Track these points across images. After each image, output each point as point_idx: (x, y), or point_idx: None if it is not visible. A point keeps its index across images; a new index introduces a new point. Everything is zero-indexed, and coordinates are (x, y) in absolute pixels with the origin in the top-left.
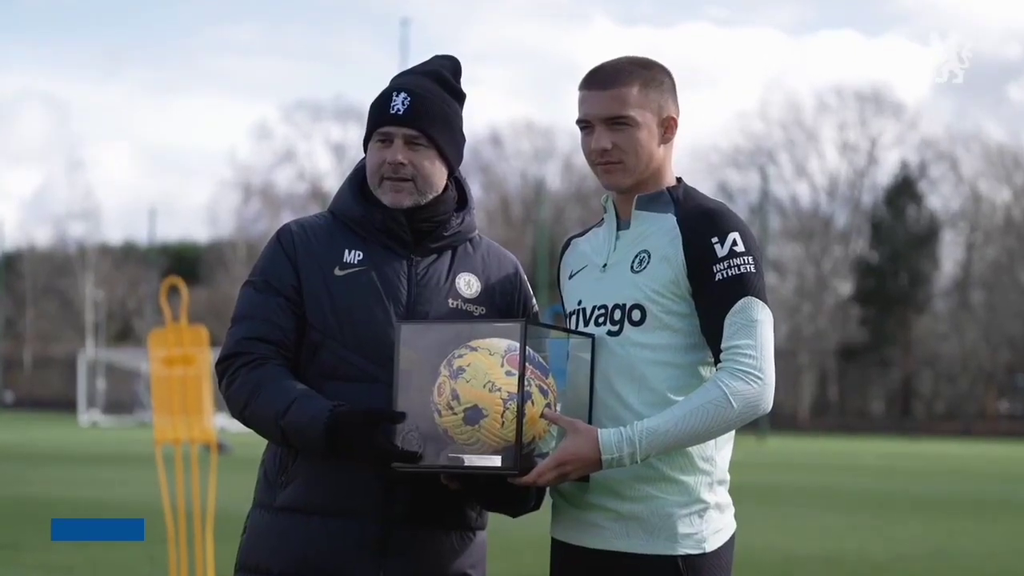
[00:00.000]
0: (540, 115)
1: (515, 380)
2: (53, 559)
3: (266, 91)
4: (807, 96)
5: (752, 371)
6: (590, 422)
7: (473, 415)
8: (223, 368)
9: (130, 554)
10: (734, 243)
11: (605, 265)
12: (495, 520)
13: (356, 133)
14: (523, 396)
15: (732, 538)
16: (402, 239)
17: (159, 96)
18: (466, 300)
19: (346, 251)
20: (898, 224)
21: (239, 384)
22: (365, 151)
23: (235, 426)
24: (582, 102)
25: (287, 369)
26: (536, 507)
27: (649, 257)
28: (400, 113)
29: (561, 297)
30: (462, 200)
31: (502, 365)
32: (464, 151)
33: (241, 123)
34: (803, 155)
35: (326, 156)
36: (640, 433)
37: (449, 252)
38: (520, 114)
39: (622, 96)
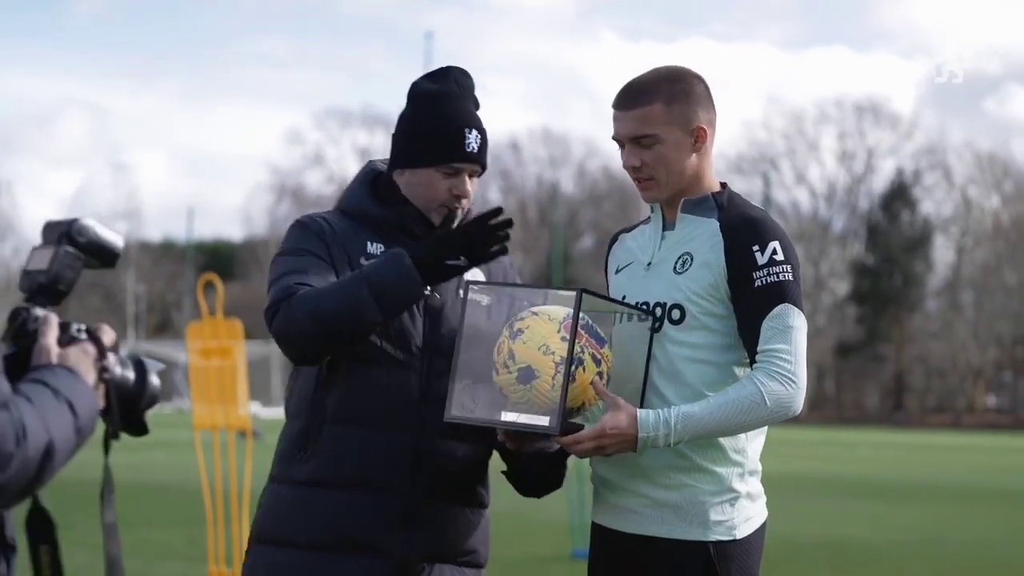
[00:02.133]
0: (555, 124)
1: (576, 348)
2: (95, 540)
3: (297, 100)
4: (808, 107)
5: (787, 374)
6: (643, 398)
7: (526, 375)
8: (278, 304)
9: (171, 535)
10: (774, 252)
11: (650, 264)
12: (513, 503)
13: (382, 139)
14: (571, 360)
15: (763, 526)
16: (416, 234)
17: (193, 104)
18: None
19: (368, 243)
20: (893, 228)
21: (301, 297)
22: (403, 165)
23: (266, 413)
24: (613, 121)
25: None
26: (558, 485)
27: (691, 260)
28: (475, 152)
29: (607, 289)
30: None
31: (559, 331)
32: None
33: (272, 129)
34: (803, 163)
35: (353, 160)
36: (677, 417)
37: None
38: (537, 122)
39: (646, 115)
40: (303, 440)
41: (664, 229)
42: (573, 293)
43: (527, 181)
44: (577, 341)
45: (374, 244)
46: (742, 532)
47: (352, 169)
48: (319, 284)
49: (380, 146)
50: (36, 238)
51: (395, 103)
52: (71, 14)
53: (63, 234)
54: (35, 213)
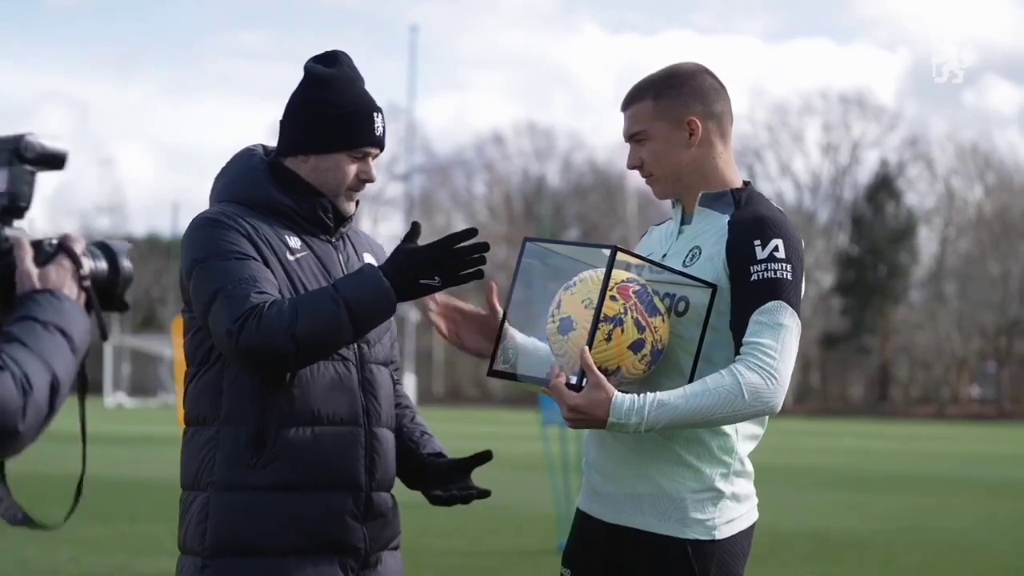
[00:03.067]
0: (540, 117)
1: (617, 304)
2: (79, 534)
3: (281, 94)
4: (792, 98)
5: (769, 369)
6: (692, 375)
7: (565, 325)
8: (243, 319)
9: (156, 528)
10: (775, 248)
11: (664, 256)
12: (498, 496)
13: None
14: (598, 318)
15: (748, 530)
16: (326, 226)
17: (176, 97)
18: None
19: (287, 237)
20: (877, 220)
21: (275, 314)
22: (306, 151)
23: None
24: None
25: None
26: (467, 501)
27: (700, 253)
28: (381, 135)
29: None
30: None
31: (612, 289)
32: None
33: (257, 124)
34: (788, 154)
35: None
36: (651, 404)
37: (346, 237)
38: (521, 115)
39: (636, 113)
40: (257, 445)
41: (682, 223)
42: (605, 250)
43: (512, 174)
44: (624, 302)
45: (292, 238)
46: (723, 533)
47: None
48: (273, 292)
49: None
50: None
51: (380, 97)
52: (47, 5)
53: (12, 152)
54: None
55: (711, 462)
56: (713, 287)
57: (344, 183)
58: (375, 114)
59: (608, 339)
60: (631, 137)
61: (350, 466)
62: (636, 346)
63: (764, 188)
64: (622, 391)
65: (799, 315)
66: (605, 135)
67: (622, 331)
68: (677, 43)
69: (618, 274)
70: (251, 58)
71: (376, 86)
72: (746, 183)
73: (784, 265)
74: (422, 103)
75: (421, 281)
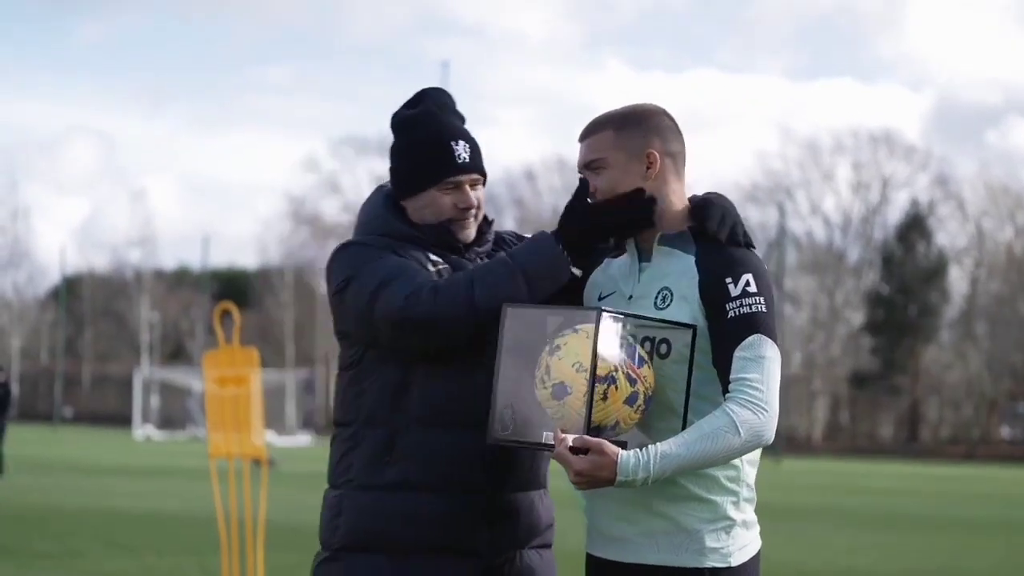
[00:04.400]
0: (568, 153)
1: (607, 364)
2: (101, 567)
3: (311, 128)
4: (823, 137)
5: (759, 403)
6: (686, 412)
7: (559, 391)
8: (416, 292)
9: (185, 562)
10: (747, 284)
11: (631, 297)
12: None
13: None
14: (594, 378)
15: (757, 555)
16: (456, 248)
17: (204, 131)
18: None
19: (424, 253)
20: (908, 259)
21: (451, 284)
22: (409, 191)
23: (281, 441)
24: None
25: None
26: None
27: (671, 295)
28: (467, 162)
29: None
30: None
31: (587, 348)
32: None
33: (287, 158)
34: (819, 193)
35: (370, 188)
36: (654, 457)
37: (487, 255)
38: (550, 151)
39: (594, 143)
40: (388, 444)
41: (640, 260)
42: (591, 311)
43: (542, 210)
44: (611, 359)
45: (430, 255)
46: (737, 560)
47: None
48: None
49: None
50: (49, 266)
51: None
52: (75, 41)
53: None
54: (46, 240)
55: (721, 492)
56: (693, 328)
57: (442, 217)
58: (453, 143)
59: (604, 398)
60: (587, 165)
61: (476, 470)
62: (631, 399)
63: (795, 226)
64: (620, 439)
65: (777, 343)
66: None
67: (616, 388)
68: (702, 81)
69: (591, 329)
70: (278, 93)
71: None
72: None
73: (757, 299)
74: None
75: (593, 242)
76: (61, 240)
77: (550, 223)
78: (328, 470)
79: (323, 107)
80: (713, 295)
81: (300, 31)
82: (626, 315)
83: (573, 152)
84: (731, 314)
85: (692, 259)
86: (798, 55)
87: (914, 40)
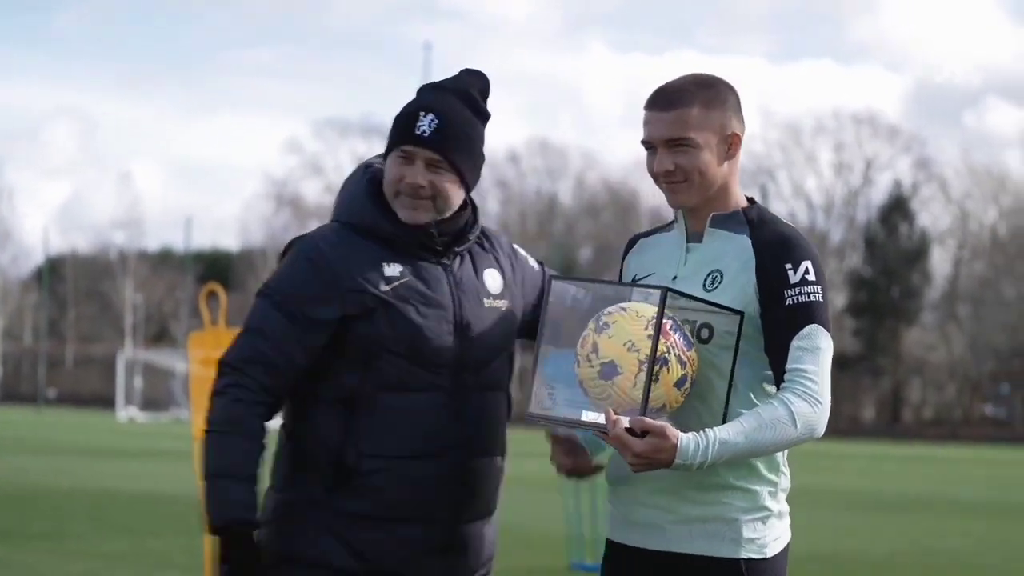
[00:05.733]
0: (552, 135)
1: (661, 344)
2: (94, 548)
3: (294, 110)
4: (805, 118)
5: (815, 395)
6: (728, 399)
7: (608, 370)
8: (220, 372)
9: (169, 543)
10: (806, 271)
11: (675, 278)
12: (509, 515)
13: (380, 149)
14: (654, 359)
15: (788, 545)
16: (434, 249)
17: (187, 114)
18: (495, 296)
19: (384, 264)
20: (890, 241)
21: (222, 406)
22: (385, 159)
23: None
24: (645, 123)
25: (261, 419)
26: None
27: (721, 277)
28: (425, 135)
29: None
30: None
31: (646, 328)
32: (481, 170)
33: (270, 140)
34: (801, 175)
35: (352, 169)
36: (713, 444)
37: (468, 253)
38: (534, 134)
39: (683, 118)
40: (343, 474)
41: (688, 241)
42: (656, 291)
43: (526, 193)
44: (664, 340)
45: (392, 266)
46: (772, 550)
47: None
48: (279, 363)
49: None
50: (33, 247)
51: (393, 113)
52: (56, 23)
53: None
54: (29, 222)
55: (760, 482)
56: (740, 314)
57: (391, 185)
58: (421, 113)
59: (656, 380)
60: (673, 141)
61: (435, 500)
62: (680, 382)
63: (777, 208)
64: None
65: (831, 334)
66: (618, 153)
67: (667, 370)
68: (683, 63)
69: (647, 309)
70: (264, 75)
71: (390, 103)
72: (751, 200)
73: (816, 287)
74: None
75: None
76: (44, 222)
77: (533, 204)
78: (272, 469)
79: (306, 90)
80: (771, 281)
81: (284, 14)
82: (690, 297)
83: (557, 134)
84: (789, 302)
85: (747, 240)
86: (778, 37)
87: (892, 21)
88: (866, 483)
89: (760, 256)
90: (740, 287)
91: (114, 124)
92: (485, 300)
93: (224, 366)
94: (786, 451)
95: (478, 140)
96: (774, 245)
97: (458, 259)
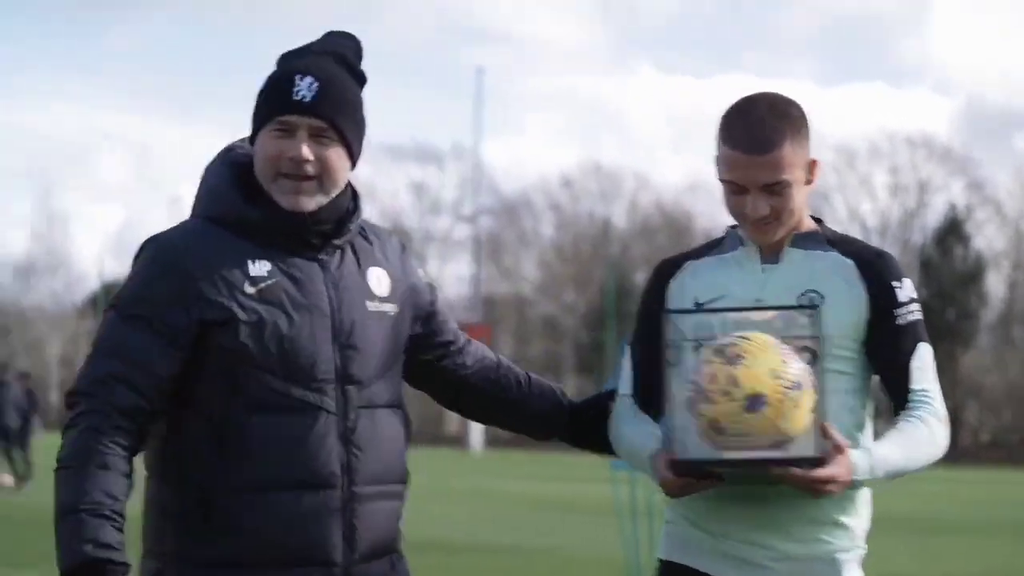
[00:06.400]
0: (603, 158)
1: (795, 369)
2: None
3: None
4: (858, 142)
5: (943, 414)
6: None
7: (754, 402)
8: (70, 403)
9: None
10: (911, 289)
11: (757, 301)
12: (563, 540)
13: (434, 173)
14: (823, 386)
15: None
16: (308, 243)
17: (236, 137)
18: (382, 299)
19: (250, 262)
20: (945, 263)
21: (73, 438)
22: (252, 141)
23: None
24: (734, 165)
25: (122, 447)
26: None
27: (821, 298)
28: (307, 100)
29: (661, 323)
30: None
31: (780, 354)
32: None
33: None
34: (856, 198)
35: (406, 194)
36: (878, 461)
37: (349, 247)
38: (582, 156)
39: (777, 161)
40: (204, 512)
41: (763, 263)
42: (801, 314)
43: (579, 216)
44: (796, 365)
45: (257, 263)
46: None
47: (404, 203)
48: (133, 379)
49: (434, 181)
50: (88, 273)
51: (446, 137)
52: (107, 47)
53: None
54: (83, 248)
55: (857, 516)
56: (815, 310)
57: (268, 165)
58: (297, 77)
59: (797, 406)
60: (768, 186)
61: (316, 538)
62: (815, 406)
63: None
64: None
65: None
66: (670, 175)
67: (806, 395)
68: (731, 86)
69: (761, 335)
70: None
71: (442, 127)
72: (815, 219)
73: (918, 304)
74: (486, 144)
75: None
76: (98, 248)
77: (587, 228)
78: (142, 528)
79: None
80: (880, 299)
81: None
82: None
83: (608, 157)
84: (900, 321)
85: (840, 257)
86: (826, 60)
87: (941, 43)
88: (924, 506)
89: (866, 274)
90: (848, 307)
91: (165, 148)
92: (369, 303)
93: (71, 396)
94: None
95: (360, 106)
96: (875, 262)
97: (338, 254)
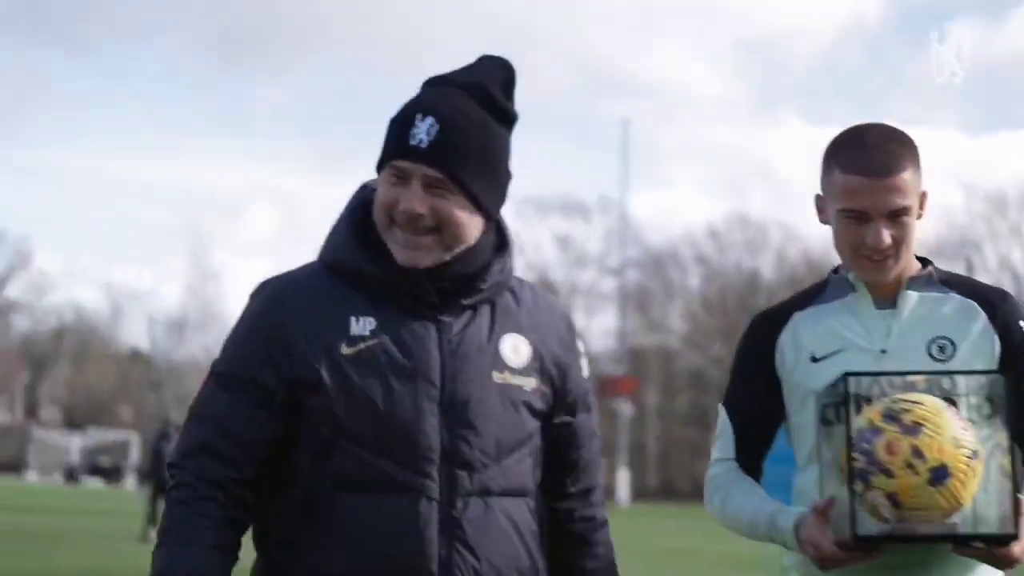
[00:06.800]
0: (749, 210)
1: (971, 436)
2: None
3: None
4: (1009, 190)
5: None
6: (1016, 482)
7: (939, 474)
8: (172, 472)
9: None
10: None
11: (883, 351)
12: None
13: (580, 227)
14: (977, 452)
15: None
16: (427, 300)
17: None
18: (515, 371)
19: (352, 319)
20: None
21: (165, 514)
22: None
23: None
24: (856, 191)
25: (212, 519)
26: None
27: (953, 345)
28: (422, 147)
29: (791, 378)
30: (500, 241)
31: (954, 419)
32: (508, 189)
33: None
34: (1007, 247)
35: (552, 248)
36: None
37: (487, 308)
38: (728, 208)
39: (903, 185)
40: (289, 545)
41: (879, 308)
42: (988, 377)
43: (726, 268)
44: (971, 429)
45: (361, 320)
46: None
47: (550, 257)
48: (230, 452)
49: (580, 234)
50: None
51: (591, 189)
52: (256, 104)
53: None
54: (235, 302)
55: None
56: (995, 376)
57: (383, 211)
58: (417, 116)
59: (975, 474)
60: (893, 213)
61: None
62: (1000, 472)
63: (983, 281)
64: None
65: None
66: (817, 227)
67: (981, 462)
68: None
69: (929, 398)
70: None
71: (587, 179)
72: (922, 259)
73: None
74: (632, 195)
75: None
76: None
77: (734, 280)
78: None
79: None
80: (1010, 342)
81: None
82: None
83: (754, 208)
84: None
85: (964, 300)
86: (972, 108)
87: None
88: None
89: (990, 315)
90: (983, 353)
91: (314, 202)
92: (496, 374)
93: (169, 468)
94: None
95: (498, 150)
96: (1000, 303)
97: (467, 315)
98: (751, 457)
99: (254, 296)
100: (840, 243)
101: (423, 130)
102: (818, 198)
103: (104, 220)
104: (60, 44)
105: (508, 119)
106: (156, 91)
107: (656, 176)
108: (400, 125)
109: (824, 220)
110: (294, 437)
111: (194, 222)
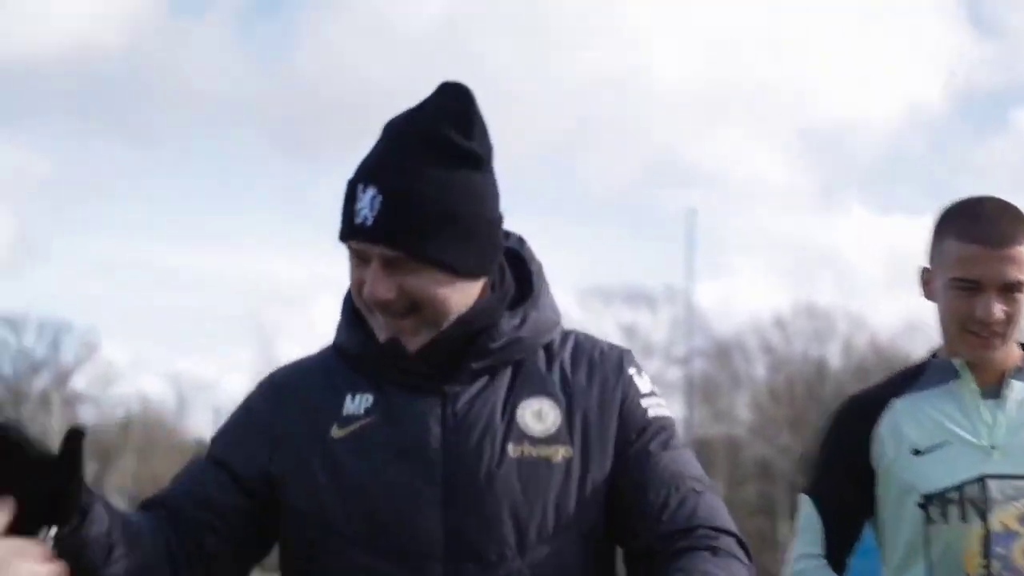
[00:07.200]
0: (814, 299)
1: None
2: None
3: (557, 280)
4: None
5: None
6: None
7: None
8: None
9: None
10: None
11: (992, 447)
12: None
13: (645, 316)
14: None
15: None
16: (421, 371)
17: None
18: (536, 441)
19: (348, 397)
20: None
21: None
22: None
23: None
24: (972, 260)
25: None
26: None
27: None
28: (368, 224)
29: (890, 474)
30: (523, 291)
31: None
32: (496, 233)
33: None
34: None
35: (617, 337)
36: None
37: (507, 371)
38: (794, 298)
39: (1017, 258)
40: None
41: (982, 398)
42: None
43: (793, 357)
44: None
45: (358, 397)
46: None
47: None
48: (172, 501)
49: (645, 323)
50: None
51: (657, 279)
52: (316, 197)
53: None
54: None
55: None
56: None
57: (357, 299)
58: (359, 187)
59: None
60: (1009, 285)
61: None
62: None
63: None
64: None
65: None
66: (885, 315)
67: None
68: None
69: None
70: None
71: (650, 271)
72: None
73: None
74: (697, 285)
75: None
76: None
77: (801, 369)
78: None
79: (567, 259)
80: None
81: (539, 181)
82: None
83: (821, 297)
84: None
85: None
86: None
87: None
88: None
89: None
90: None
91: None
92: (513, 446)
93: None
94: None
95: (465, 200)
96: None
97: (481, 380)
98: (839, 552)
99: (258, 385)
100: (946, 316)
101: (366, 204)
102: (924, 271)
103: (169, 310)
104: (123, 134)
105: (473, 160)
106: (219, 180)
107: (721, 265)
108: (345, 198)
109: (928, 294)
110: (280, 536)
111: (259, 312)
